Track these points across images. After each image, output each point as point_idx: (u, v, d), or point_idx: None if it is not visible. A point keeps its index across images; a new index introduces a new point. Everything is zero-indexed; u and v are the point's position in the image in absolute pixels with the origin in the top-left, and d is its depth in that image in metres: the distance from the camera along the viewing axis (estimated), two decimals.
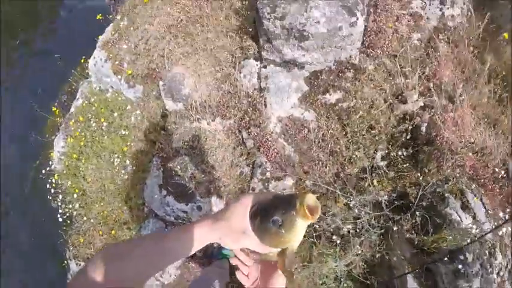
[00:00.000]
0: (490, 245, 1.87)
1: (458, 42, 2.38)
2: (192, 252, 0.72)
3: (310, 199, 0.62)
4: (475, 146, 2.08)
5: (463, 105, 2.16)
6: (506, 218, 1.91)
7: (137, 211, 2.84)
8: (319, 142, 2.07)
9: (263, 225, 0.66)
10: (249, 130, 2.10)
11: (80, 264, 3.03)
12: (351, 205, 1.95)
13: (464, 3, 2.53)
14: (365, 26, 2.18)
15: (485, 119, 2.19)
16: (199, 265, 2.63)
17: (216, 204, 2.34)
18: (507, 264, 1.90)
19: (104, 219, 2.95)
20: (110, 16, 2.80)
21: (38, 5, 4.78)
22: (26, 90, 3.99)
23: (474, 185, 2.01)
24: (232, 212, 0.71)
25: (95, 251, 2.97)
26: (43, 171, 3.20)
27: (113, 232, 2.87)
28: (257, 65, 2.17)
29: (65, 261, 3.05)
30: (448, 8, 2.50)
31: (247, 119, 2.13)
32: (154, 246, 0.69)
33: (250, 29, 2.16)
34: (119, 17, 2.61)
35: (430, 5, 2.49)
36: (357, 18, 2.05)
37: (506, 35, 2.30)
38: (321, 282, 2.21)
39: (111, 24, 2.69)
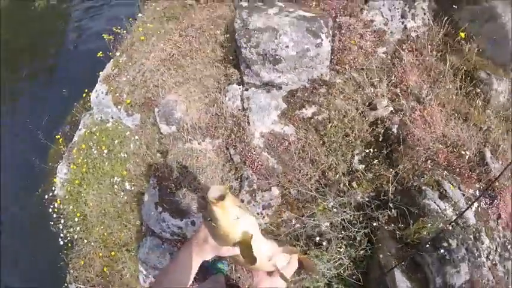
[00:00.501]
0: (474, 229, 1.92)
1: (422, 50, 2.62)
2: (189, 275, 0.88)
3: (213, 190, 0.76)
4: (447, 140, 2.22)
5: (431, 104, 2.34)
6: (477, 194, 1.97)
7: (136, 232, 2.98)
8: (299, 153, 2.28)
9: (207, 227, 0.84)
10: (235, 146, 2.33)
11: (79, 287, 3.11)
12: (330, 207, 2.12)
13: (424, 14, 2.79)
14: (331, 45, 2.46)
15: (456, 114, 2.34)
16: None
17: (202, 225, 2.50)
18: (496, 248, 1.93)
19: (104, 242, 3.08)
20: (110, 53, 3.13)
21: (43, 41, 5.16)
22: (31, 120, 4.25)
23: (450, 175, 2.09)
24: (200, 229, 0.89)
25: (95, 274, 3.07)
26: (46, 196, 3.38)
27: (113, 254, 3.00)
28: (240, 88, 2.45)
29: (65, 284, 3.13)
30: (409, 21, 2.77)
31: (233, 136, 2.37)
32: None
33: (232, 58, 2.47)
34: (118, 54, 2.93)
35: (391, 20, 2.76)
36: (322, 40, 2.35)
37: (462, 34, 2.51)
38: (312, 286, 2.29)
39: (111, 61, 3.01)
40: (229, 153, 2.38)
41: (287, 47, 2.27)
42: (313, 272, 1.09)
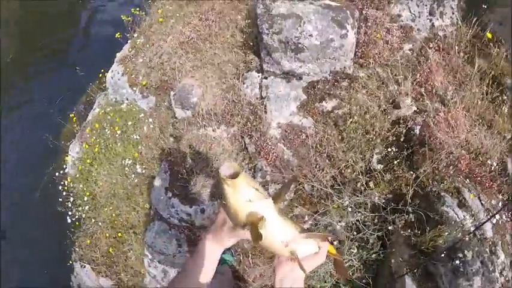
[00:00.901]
0: (490, 242, 1.87)
1: (449, 50, 2.53)
2: (211, 268, 0.87)
3: (225, 167, 0.71)
4: (470, 146, 2.15)
5: (456, 107, 2.27)
6: (500, 206, 1.92)
7: (144, 216, 2.99)
8: (316, 147, 2.23)
9: (222, 208, 0.81)
10: (251, 135, 2.28)
11: (84, 266, 3.14)
12: (345, 206, 2.07)
13: (453, 13, 2.68)
14: (356, 38, 2.38)
15: (480, 120, 2.26)
16: None
17: (219, 207, 2.48)
18: (510, 263, 1.88)
19: (112, 223, 3.10)
20: (128, 34, 3.09)
21: (61, 19, 5.16)
22: (45, 98, 4.28)
23: (471, 183, 2.04)
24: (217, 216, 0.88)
25: (100, 254, 3.09)
26: (56, 174, 3.41)
27: (119, 235, 3.01)
28: (259, 76, 2.39)
29: (70, 262, 3.17)
30: (437, 19, 2.66)
31: (249, 125, 2.32)
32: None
33: (253, 45, 2.40)
34: (136, 35, 2.89)
35: (419, 17, 2.66)
36: (347, 31, 2.26)
37: (489, 34, 2.42)
38: (319, 286, 2.27)
39: (129, 42, 2.97)
40: (244, 142, 2.33)
41: (311, 35, 2.19)
42: (342, 275, 1.04)
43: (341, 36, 2.25)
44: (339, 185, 2.19)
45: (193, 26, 2.54)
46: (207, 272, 0.86)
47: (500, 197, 2.04)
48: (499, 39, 2.49)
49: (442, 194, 2.02)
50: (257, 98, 2.33)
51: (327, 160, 2.29)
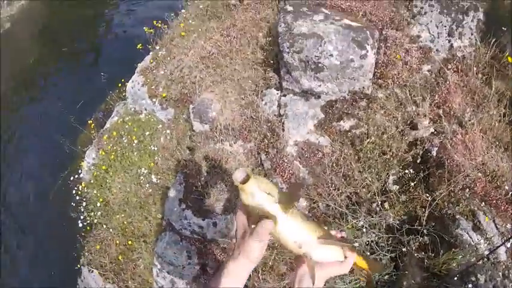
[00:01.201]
0: (504, 266, 1.85)
1: (467, 71, 2.53)
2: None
3: (237, 173, 0.76)
4: (487, 169, 2.13)
5: (473, 130, 2.26)
6: None
7: (155, 226, 3.00)
8: (332, 166, 2.22)
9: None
10: (267, 152, 2.29)
11: (92, 271, 3.16)
12: (360, 226, 2.05)
13: (471, 34, 2.69)
14: (376, 58, 2.40)
15: (497, 142, 2.25)
16: (208, 279, 2.71)
17: (232, 222, 2.49)
18: None
19: (123, 230, 3.12)
20: (150, 46, 3.17)
21: (85, 27, 5.30)
22: (64, 103, 4.39)
23: (486, 206, 2.03)
24: (236, 231, 0.85)
25: (109, 260, 3.10)
26: (71, 178, 3.46)
27: (130, 243, 3.02)
28: (277, 94, 2.42)
29: (78, 266, 3.19)
30: (456, 40, 2.67)
31: (266, 142, 2.33)
32: None
33: (273, 62, 2.44)
34: (158, 47, 2.96)
35: (438, 37, 2.67)
36: (367, 51, 2.28)
37: (510, 58, 2.42)
38: None
39: (151, 53, 3.05)
40: (260, 158, 2.34)
41: (331, 55, 2.22)
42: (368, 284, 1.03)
43: (361, 56, 2.27)
44: (354, 205, 2.18)
45: (215, 42, 2.59)
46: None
47: None
48: None
49: (457, 216, 2.01)
50: (275, 115, 2.36)
51: (342, 179, 2.28)
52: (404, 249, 2.03)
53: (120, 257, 3.07)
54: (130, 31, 4.68)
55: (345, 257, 0.90)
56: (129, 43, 3.50)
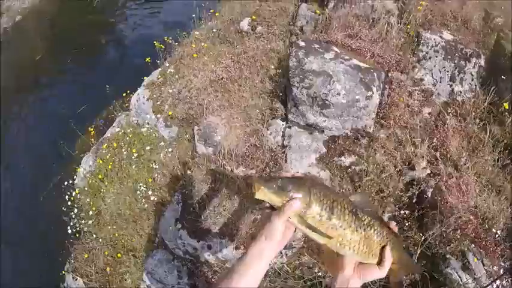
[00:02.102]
0: None
1: (466, 116, 2.63)
2: (263, 271, 0.83)
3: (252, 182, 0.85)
4: (478, 211, 2.22)
5: (468, 173, 2.34)
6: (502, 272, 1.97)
7: (147, 241, 2.98)
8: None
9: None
10: None
11: (76, 279, 3.11)
12: None
13: (472, 79, 2.81)
14: (380, 99, 2.48)
15: (489, 186, 2.35)
16: None
17: (227, 246, 2.49)
18: None
19: (113, 242, 3.09)
20: (158, 61, 3.19)
21: (95, 33, 5.29)
22: (66, 106, 4.34)
23: (476, 247, 2.11)
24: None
25: (95, 270, 3.06)
26: (65, 182, 3.42)
27: (119, 256, 3.00)
28: (283, 125, 2.47)
29: (63, 272, 3.14)
30: (457, 85, 2.78)
31: (268, 170, 2.37)
32: None
33: (281, 94, 2.49)
34: (167, 64, 2.99)
35: (440, 82, 2.78)
36: (373, 93, 2.36)
37: (506, 105, 2.53)
38: None
39: (159, 69, 3.07)
40: None
41: (338, 94, 2.28)
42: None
43: (366, 97, 2.34)
44: None
45: (225, 66, 2.64)
46: (259, 274, 0.82)
47: (502, 263, 2.09)
48: None
49: (448, 256, 2.09)
50: (279, 146, 2.40)
51: None
52: None
53: (108, 269, 3.03)
54: (140, 42, 4.70)
55: (382, 259, 0.87)
56: (137, 54, 3.53)
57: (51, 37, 5.20)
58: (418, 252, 2.11)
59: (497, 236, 2.15)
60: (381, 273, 0.88)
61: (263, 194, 0.82)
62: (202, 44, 2.84)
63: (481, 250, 2.11)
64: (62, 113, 4.18)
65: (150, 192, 2.89)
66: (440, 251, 2.13)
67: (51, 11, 5.55)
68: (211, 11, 3.18)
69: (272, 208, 0.85)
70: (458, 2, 3.08)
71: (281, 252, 2.36)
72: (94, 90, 4.14)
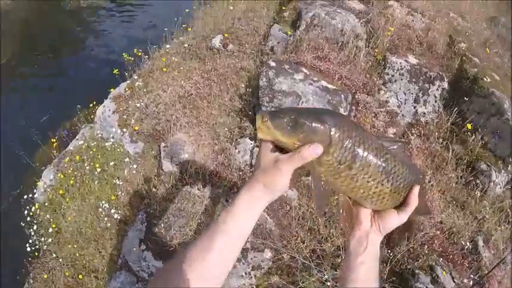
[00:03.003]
0: None
1: (429, 135, 2.74)
2: (250, 226, 0.66)
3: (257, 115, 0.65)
4: (444, 226, 2.31)
5: (433, 190, 2.43)
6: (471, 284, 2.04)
7: (109, 262, 2.84)
8: (299, 219, 2.27)
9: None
10: None
11: None
12: (324, 280, 2.09)
13: (435, 101, 2.94)
14: None
15: (454, 202, 2.45)
16: None
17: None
18: None
19: (73, 262, 2.93)
20: (126, 73, 3.10)
21: (64, 39, 5.06)
22: (28, 114, 4.09)
23: (443, 261, 2.17)
24: (258, 159, 0.66)
25: None
26: (25, 196, 3.21)
27: (80, 277, 2.83)
28: (251, 144, 2.45)
29: None
30: (421, 106, 2.90)
31: (236, 190, 2.33)
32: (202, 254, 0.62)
33: (250, 112, 2.49)
34: (135, 77, 2.91)
35: (405, 103, 2.89)
36: None
37: (469, 125, 2.67)
38: None
39: (127, 82, 2.98)
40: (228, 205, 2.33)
41: None
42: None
43: None
44: (319, 259, 2.23)
45: (195, 83, 2.60)
46: (246, 231, 0.65)
47: (472, 276, 2.18)
48: (476, 127, 2.75)
49: (416, 271, 2.14)
50: (247, 165, 2.38)
51: (308, 233, 2.33)
52: None
53: None
54: (110, 52, 4.55)
55: (406, 204, 0.72)
56: (106, 64, 3.40)
57: (18, 41, 4.93)
58: (387, 269, 2.14)
59: (465, 248, 2.25)
60: (400, 219, 0.74)
61: (269, 132, 0.63)
62: (173, 58, 2.79)
63: (449, 263, 2.19)
64: (23, 121, 3.94)
65: (113, 211, 2.77)
66: (409, 267, 2.18)
67: (21, 14, 5.28)
68: (183, 26, 3.14)
69: (277, 147, 0.66)
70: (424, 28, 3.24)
71: (250, 273, 2.32)
72: (59, 99, 3.94)
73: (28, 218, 3.16)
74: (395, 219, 0.74)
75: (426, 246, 2.22)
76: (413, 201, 0.72)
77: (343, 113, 2.45)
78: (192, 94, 2.56)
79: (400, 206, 0.74)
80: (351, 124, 0.67)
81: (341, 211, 0.71)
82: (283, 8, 3.20)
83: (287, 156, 0.63)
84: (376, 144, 0.67)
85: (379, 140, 0.69)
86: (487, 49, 3.54)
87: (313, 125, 0.63)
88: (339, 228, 2.35)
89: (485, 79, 2.91)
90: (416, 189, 0.72)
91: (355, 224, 0.75)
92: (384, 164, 0.67)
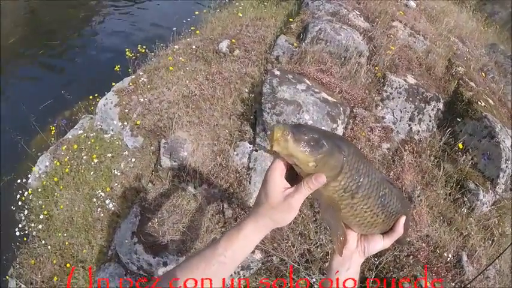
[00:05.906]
0: None
1: (421, 153, 2.83)
2: (247, 254, 0.68)
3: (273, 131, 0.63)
4: (430, 240, 2.39)
5: (421, 205, 2.51)
6: None
7: (98, 253, 2.85)
8: (290, 223, 2.33)
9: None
10: (231, 201, 2.34)
11: (20, 286, 2.89)
12: (312, 283, 2.15)
13: (430, 121, 3.04)
14: (344, 132, 2.61)
15: (441, 217, 2.54)
16: None
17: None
18: None
19: (62, 251, 2.93)
20: (129, 70, 3.13)
21: (71, 28, 5.04)
22: (31, 97, 4.07)
23: (428, 272, 2.23)
24: (266, 186, 0.65)
25: (41, 279, 2.87)
26: (18, 180, 3.20)
27: (68, 266, 2.84)
28: (250, 147, 2.51)
29: (7, 277, 2.91)
30: (415, 124, 3.00)
31: (232, 191, 2.39)
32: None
33: (251, 117, 2.55)
34: (140, 73, 2.95)
35: (400, 120, 2.98)
36: (338, 125, 2.50)
37: (460, 145, 2.77)
38: None
39: (131, 77, 3.02)
40: (223, 205, 2.38)
41: (306, 123, 2.38)
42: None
43: (332, 129, 2.46)
44: (307, 263, 2.29)
45: (199, 84, 2.66)
46: (244, 256, 0.67)
47: (452, 285, 2.26)
48: (467, 147, 2.86)
49: (401, 281, 2.21)
50: (244, 167, 2.44)
51: (298, 237, 2.39)
52: None
53: (55, 278, 2.85)
54: (116, 47, 4.56)
55: (393, 231, 0.77)
56: (111, 59, 3.43)
57: (27, 24, 4.91)
58: (373, 275, 2.21)
59: (447, 260, 2.32)
60: (384, 245, 0.79)
61: (287, 147, 0.60)
62: (180, 58, 2.85)
63: (433, 275, 2.26)
64: (23, 106, 3.93)
65: (107, 202, 2.79)
66: (393, 276, 2.25)
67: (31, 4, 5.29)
68: (192, 28, 3.20)
69: (289, 166, 0.65)
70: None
71: (239, 273, 2.37)
72: (61, 87, 3.94)
73: (20, 203, 3.15)
74: (379, 244, 0.79)
75: (412, 257, 2.30)
76: (399, 230, 0.78)
77: (343, 135, 2.52)
78: (195, 94, 2.62)
79: (386, 232, 0.79)
80: (361, 155, 0.70)
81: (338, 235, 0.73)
82: (291, 19, 3.29)
83: (295, 190, 0.64)
84: (378, 179, 0.71)
85: (381, 174, 0.73)
86: (484, 74, 3.67)
87: (332, 149, 0.63)
88: (329, 235, 2.42)
89: (479, 103, 3.02)
90: (402, 220, 0.78)
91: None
92: (382, 198, 0.72)
